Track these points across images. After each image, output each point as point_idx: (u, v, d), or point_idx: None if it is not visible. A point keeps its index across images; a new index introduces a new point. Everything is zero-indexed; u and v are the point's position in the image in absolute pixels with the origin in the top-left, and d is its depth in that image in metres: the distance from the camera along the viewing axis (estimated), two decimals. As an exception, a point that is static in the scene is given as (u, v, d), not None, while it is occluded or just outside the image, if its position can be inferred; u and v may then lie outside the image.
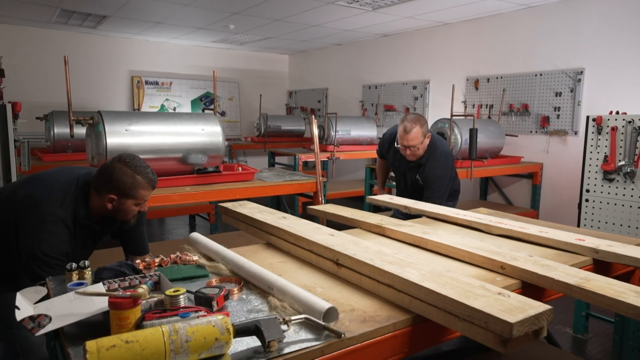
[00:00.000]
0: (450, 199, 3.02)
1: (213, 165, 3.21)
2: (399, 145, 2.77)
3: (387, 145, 3.07)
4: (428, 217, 2.24)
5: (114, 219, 1.84)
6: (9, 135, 2.60)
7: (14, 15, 5.66)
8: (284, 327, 1.01)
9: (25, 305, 1.12)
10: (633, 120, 3.12)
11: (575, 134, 4.52)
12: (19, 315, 1.05)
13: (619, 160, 3.18)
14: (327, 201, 3.28)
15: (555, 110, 4.67)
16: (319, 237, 1.58)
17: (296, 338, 1.03)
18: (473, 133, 4.13)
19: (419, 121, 2.70)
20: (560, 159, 4.67)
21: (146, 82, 7.34)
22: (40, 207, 1.67)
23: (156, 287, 1.30)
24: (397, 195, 3.04)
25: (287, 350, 0.98)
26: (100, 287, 1.22)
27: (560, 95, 4.62)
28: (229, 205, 2.16)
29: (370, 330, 1.08)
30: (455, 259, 1.59)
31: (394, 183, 3.36)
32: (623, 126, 3.17)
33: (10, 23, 6.12)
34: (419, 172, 2.85)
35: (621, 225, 3.18)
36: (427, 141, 2.77)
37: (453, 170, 2.95)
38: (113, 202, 1.73)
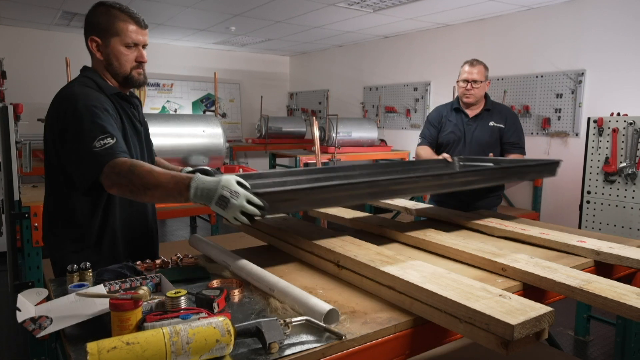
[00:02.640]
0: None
1: (214, 166, 3.22)
2: (460, 82, 2.83)
3: (436, 116, 3.00)
4: (430, 219, 2.24)
5: (127, 95, 1.68)
6: (10, 137, 2.61)
7: (16, 17, 5.67)
8: (284, 329, 1.01)
9: (26, 306, 1.12)
10: (634, 122, 3.12)
11: (577, 135, 4.51)
12: (20, 317, 1.05)
13: (620, 162, 3.18)
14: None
15: (556, 112, 4.67)
16: (320, 239, 1.58)
17: (297, 340, 1.03)
18: (474, 135, 4.11)
19: (483, 63, 2.84)
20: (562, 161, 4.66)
21: (147, 84, 7.35)
22: (59, 97, 1.52)
23: (157, 288, 1.30)
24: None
25: (287, 352, 0.98)
26: (101, 289, 1.22)
27: (561, 97, 4.61)
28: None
29: (371, 332, 1.08)
30: (456, 260, 1.59)
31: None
32: (624, 128, 3.17)
33: (12, 25, 6.13)
34: (493, 118, 2.83)
35: (622, 227, 3.17)
36: (487, 87, 2.87)
37: None
38: (99, 47, 1.59)
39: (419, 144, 3.03)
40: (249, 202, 1.25)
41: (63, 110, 1.47)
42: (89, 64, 1.68)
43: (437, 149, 2.99)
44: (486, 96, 2.91)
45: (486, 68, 2.83)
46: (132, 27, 1.62)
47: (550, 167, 2.15)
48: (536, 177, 2.09)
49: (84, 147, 1.38)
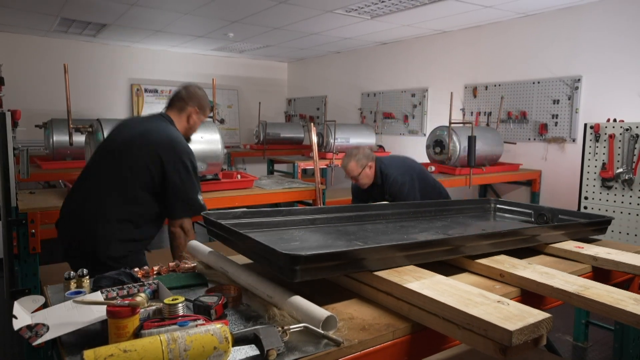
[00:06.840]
0: None
1: (212, 172, 3.21)
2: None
3: (354, 186, 3.33)
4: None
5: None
6: (8, 143, 2.60)
7: (14, 23, 5.68)
8: (282, 335, 1.01)
9: (22, 314, 1.12)
10: (630, 128, 3.14)
11: (573, 141, 4.53)
12: (16, 325, 1.05)
13: (617, 168, 3.19)
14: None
15: (553, 118, 4.69)
16: (318, 245, 1.58)
17: (295, 347, 1.03)
18: (471, 140, 4.14)
19: (353, 155, 3.03)
20: (559, 166, 4.68)
21: (145, 90, 7.35)
22: (178, 144, 2.06)
23: (155, 295, 1.30)
24: None
25: (285, 359, 0.98)
26: (98, 296, 1.22)
27: (558, 103, 4.64)
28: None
29: (369, 338, 1.08)
30: (454, 266, 1.59)
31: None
32: (621, 134, 3.18)
33: (11, 31, 6.15)
34: (384, 191, 3.04)
35: (620, 232, 3.18)
36: (369, 170, 3.04)
37: (414, 172, 3.11)
38: (193, 116, 2.21)
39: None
40: None
41: (179, 155, 2.01)
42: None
43: None
44: (379, 169, 3.07)
45: (358, 159, 2.99)
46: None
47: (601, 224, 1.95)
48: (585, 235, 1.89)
49: (193, 195, 2.02)
